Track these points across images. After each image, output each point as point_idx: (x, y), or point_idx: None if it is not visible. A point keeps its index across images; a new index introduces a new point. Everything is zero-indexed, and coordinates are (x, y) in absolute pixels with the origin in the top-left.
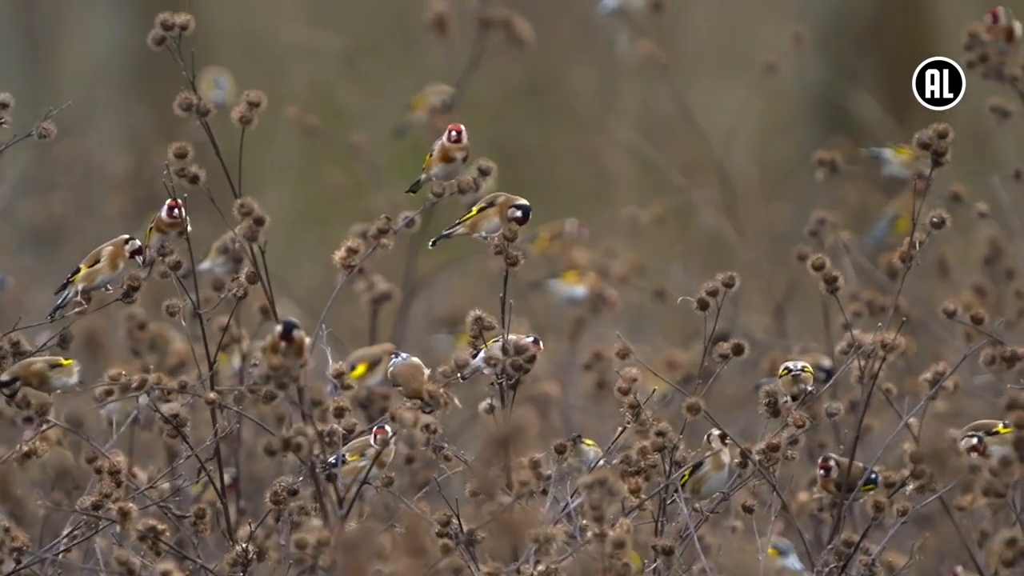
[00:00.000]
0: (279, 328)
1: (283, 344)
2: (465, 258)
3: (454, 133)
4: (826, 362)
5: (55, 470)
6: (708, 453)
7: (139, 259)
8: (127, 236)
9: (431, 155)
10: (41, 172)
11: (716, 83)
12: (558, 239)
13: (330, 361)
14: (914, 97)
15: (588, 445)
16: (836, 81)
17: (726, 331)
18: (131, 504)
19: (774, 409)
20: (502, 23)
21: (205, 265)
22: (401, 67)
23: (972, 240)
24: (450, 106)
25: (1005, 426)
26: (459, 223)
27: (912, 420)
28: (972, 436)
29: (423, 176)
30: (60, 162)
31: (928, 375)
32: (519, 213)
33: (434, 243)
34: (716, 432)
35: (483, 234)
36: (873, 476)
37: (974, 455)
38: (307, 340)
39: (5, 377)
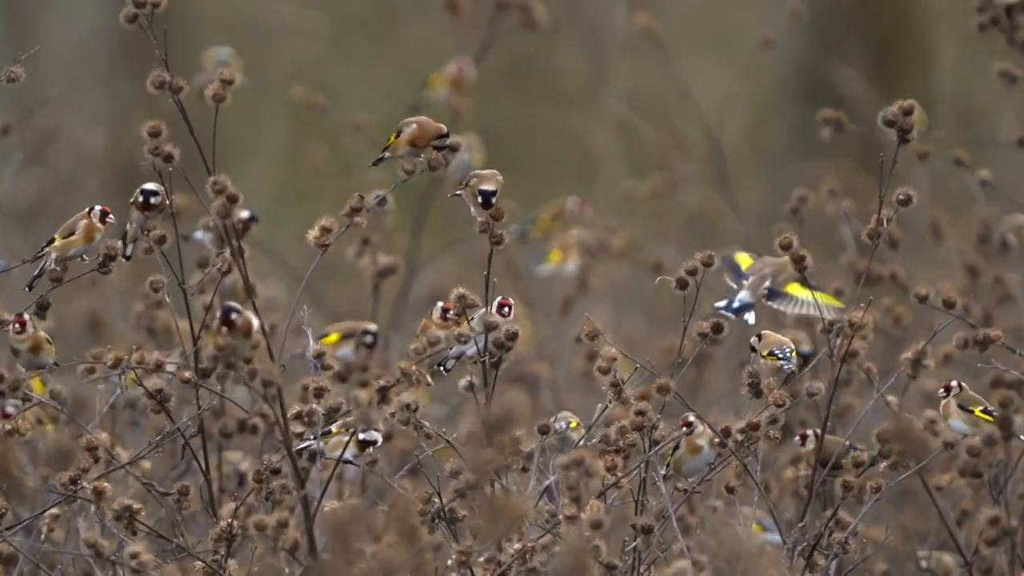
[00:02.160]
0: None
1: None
2: (468, 240)
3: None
4: (805, 347)
5: (53, 451)
6: (678, 434)
7: (109, 219)
8: (98, 208)
9: (397, 135)
10: (19, 148)
11: (700, 60)
12: (559, 219)
13: (311, 341)
14: (899, 72)
15: (573, 427)
16: (821, 58)
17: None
18: (106, 483)
19: (757, 390)
20: (519, 5)
21: (198, 235)
22: (386, 46)
23: (968, 214)
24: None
25: (983, 411)
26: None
27: (893, 398)
28: (944, 393)
29: (385, 154)
30: (40, 138)
31: (909, 354)
32: (480, 199)
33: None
34: (691, 415)
35: (473, 211)
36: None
37: (933, 422)
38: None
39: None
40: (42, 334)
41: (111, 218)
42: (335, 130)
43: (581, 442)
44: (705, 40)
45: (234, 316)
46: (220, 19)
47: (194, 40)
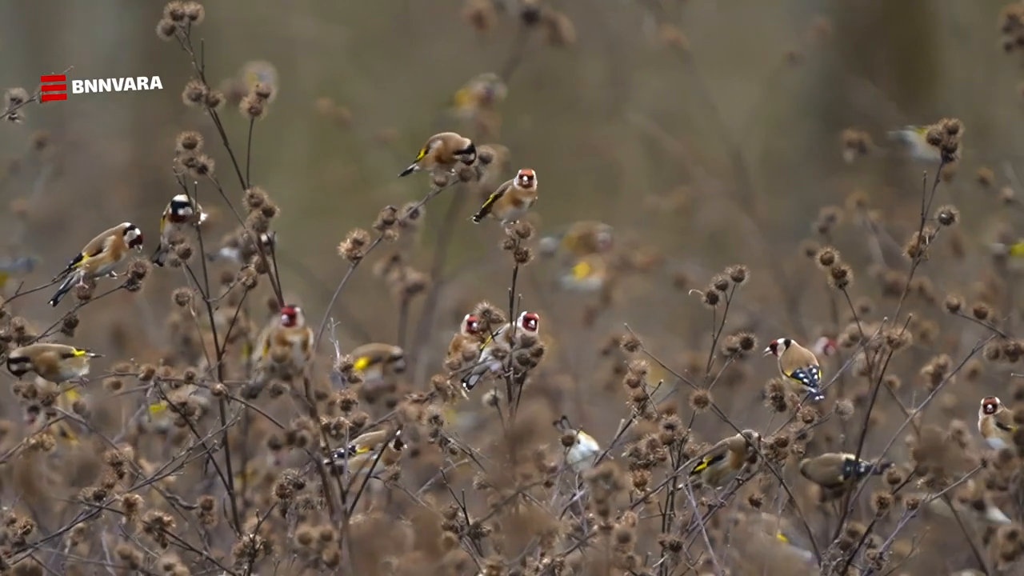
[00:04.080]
0: (283, 314)
1: (287, 321)
2: (492, 255)
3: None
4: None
5: (78, 465)
6: (722, 444)
7: (139, 247)
8: (127, 225)
9: (426, 150)
10: (44, 162)
11: (722, 76)
12: (587, 242)
13: (338, 354)
14: (920, 91)
15: (586, 438)
16: (842, 75)
17: (746, 326)
18: (137, 495)
19: (780, 404)
20: (547, 22)
21: (224, 252)
22: (405, 61)
23: (986, 229)
24: (493, 94)
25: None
26: (486, 205)
27: (916, 412)
28: (985, 411)
29: (415, 166)
30: (65, 152)
31: (930, 368)
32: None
33: (477, 219)
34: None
35: (503, 221)
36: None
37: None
38: (311, 332)
39: (15, 354)
40: (52, 354)
41: (141, 246)
42: (356, 145)
43: (606, 455)
44: (727, 56)
45: (297, 311)
46: (242, 34)
47: (216, 55)
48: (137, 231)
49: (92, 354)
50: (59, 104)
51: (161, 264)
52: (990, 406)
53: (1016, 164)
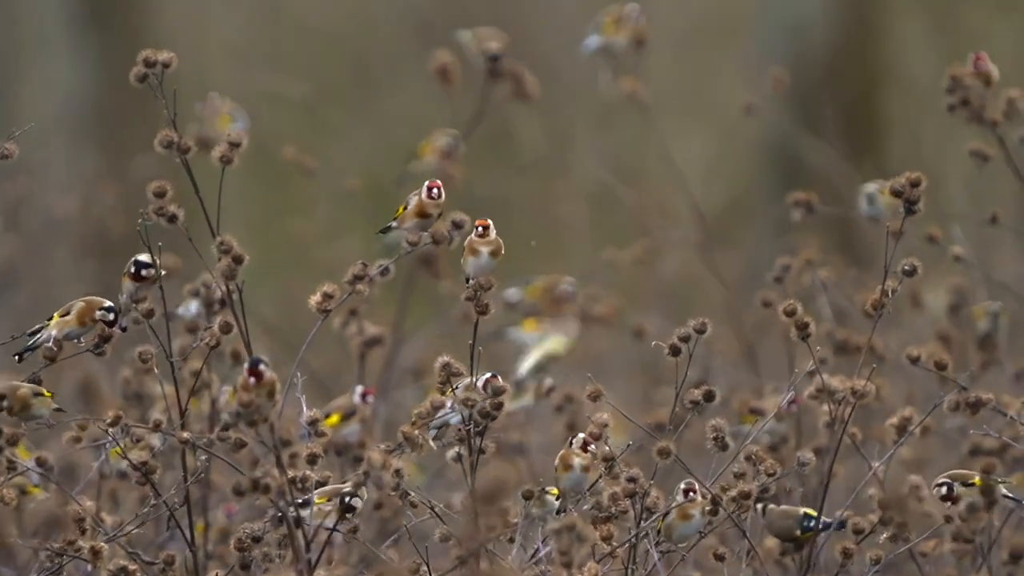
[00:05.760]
0: (247, 364)
1: (252, 380)
2: (451, 311)
3: (434, 190)
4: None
5: (42, 517)
6: (674, 504)
7: (109, 327)
8: (107, 304)
9: (405, 207)
10: None
11: (674, 127)
12: (551, 295)
13: (304, 408)
14: (870, 145)
15: (552, 495)
16: (793, 129)
17: (701, 378)
18: (102, 544)
19: (722, 444)
20: (512, 76)
21: (182, 310)
22: (362, 114)
23: (935, 284)
24: (456, 149)
25: (980, 478)
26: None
27: (880, 465)
28: (943, 485)
29: (394, 224)
30: (10, 204)
31: (895, 420)
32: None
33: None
34: (682, 485)
35: (467, 272)
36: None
37: (947, 504)
38: (276, 379)
39: None
40: (26, 391)
41: (111, 316)
42: (313, 198)
43: (566, 508)
44: (683, 108)
45: (262, 368)
46: (191, 85)
47: (175, 107)
48: (111, 314)
49: (55, 406)
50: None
51: (124, 330)
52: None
53: (963, 222)
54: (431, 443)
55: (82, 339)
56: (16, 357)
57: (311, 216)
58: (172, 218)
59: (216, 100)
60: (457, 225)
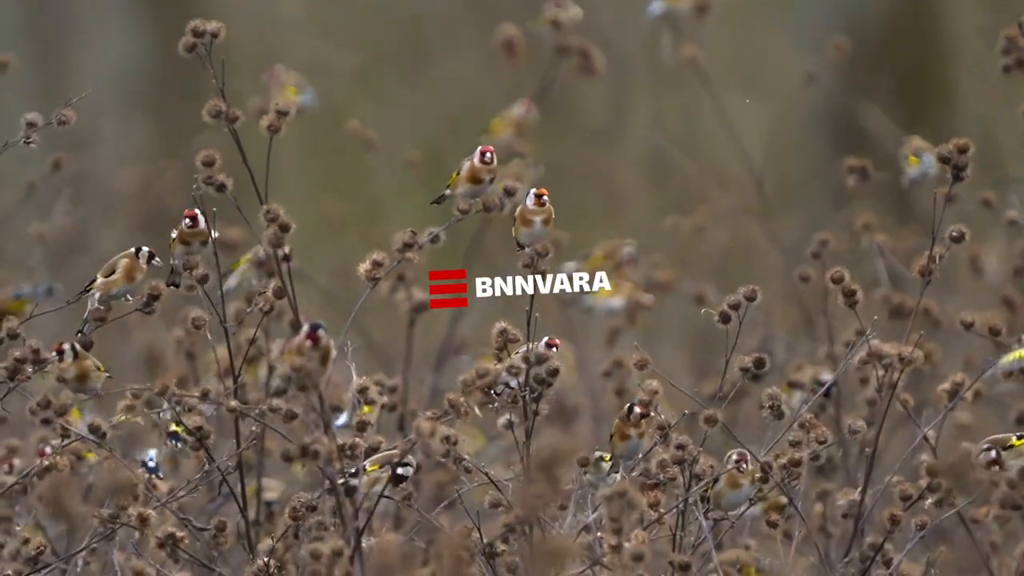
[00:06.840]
0: (305, 328)
1: (309, 345)
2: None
3: (487, 155)
4: (826, 375)
5: (104, 483)
6: (722, 471)
7: (155, 261)
8: (137, 247)
9: (458, 173)
10: (50, 186)
11: (728, 97)
12: (612, 260)
13: (354, 376)
14: (927, 113)
15: (606, 461)
16: (849, 98)
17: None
18: (150, 510)
19: (778, 412)
20: (579, 51)
21: (232, 283)
22: (413, 82)
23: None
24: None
25: (1019, 438)
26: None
27: (930, 432)
28: (990, 450)
29: (447, 192)
30: (69, 177)
31: (947, 385)
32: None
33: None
34: (734, 454)
35: (520, 241)
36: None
37: (994, 468)
38: (331, 345)
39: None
40: (89, 362)
41: (157, 260)
42: (367, 169)
43: (618, 474)
44: (735, 76)
45: (320, 332)
46: (250, 56)
47: (226, 79)
48: (146, 249)
49: (107, 374)
50: (72, 128)
51: (177, 286)
52: None
53: (1020, 187)
54: (476, 411)
55: (129, 297)
56: (77, 334)
57: (369, 185)
58: (221, 187)
59: (281, 72)
60: (509, 192)
